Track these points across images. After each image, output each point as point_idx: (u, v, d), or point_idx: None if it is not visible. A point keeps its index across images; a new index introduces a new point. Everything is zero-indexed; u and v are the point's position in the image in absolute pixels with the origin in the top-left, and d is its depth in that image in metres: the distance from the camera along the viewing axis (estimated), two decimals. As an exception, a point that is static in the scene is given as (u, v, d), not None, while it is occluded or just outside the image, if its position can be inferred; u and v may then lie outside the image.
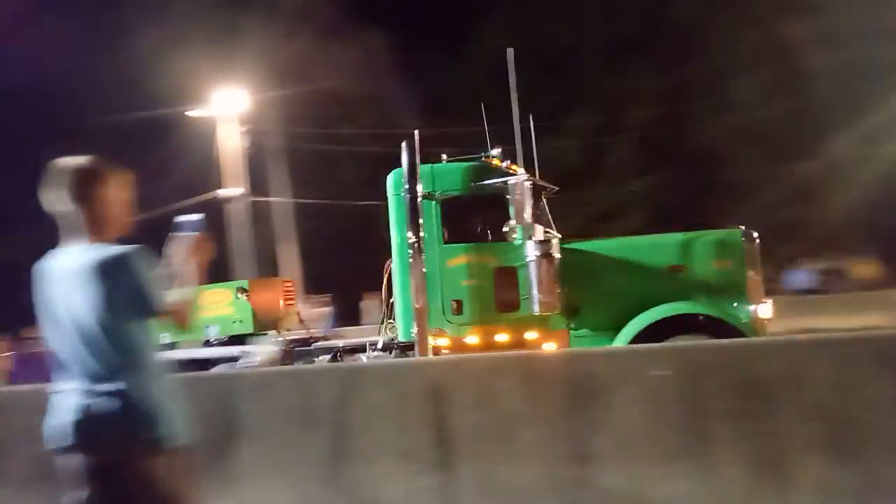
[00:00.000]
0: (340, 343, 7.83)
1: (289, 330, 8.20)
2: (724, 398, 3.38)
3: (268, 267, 20.22)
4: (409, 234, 6.32)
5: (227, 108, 18.85)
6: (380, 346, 7.17)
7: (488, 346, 6.52)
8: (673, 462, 3.32)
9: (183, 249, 2.29)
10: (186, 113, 19.03)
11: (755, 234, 6.67)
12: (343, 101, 23.19)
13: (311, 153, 21.92)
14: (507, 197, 6.37)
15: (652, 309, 6.21)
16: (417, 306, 6.29)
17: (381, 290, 7.67)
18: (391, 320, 7.37)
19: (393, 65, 24.03)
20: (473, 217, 7.18)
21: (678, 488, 3.27)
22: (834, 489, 3.06)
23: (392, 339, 7.13)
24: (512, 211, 6.34)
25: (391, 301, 7.34)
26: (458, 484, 3.51)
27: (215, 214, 18.11)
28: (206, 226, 2.39)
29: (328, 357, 7.29)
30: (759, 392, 3.36)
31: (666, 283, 6.46)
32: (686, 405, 3.41)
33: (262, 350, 7.33)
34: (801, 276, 20.19)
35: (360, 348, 7.32)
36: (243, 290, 7.76)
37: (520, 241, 6.47)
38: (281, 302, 8.25)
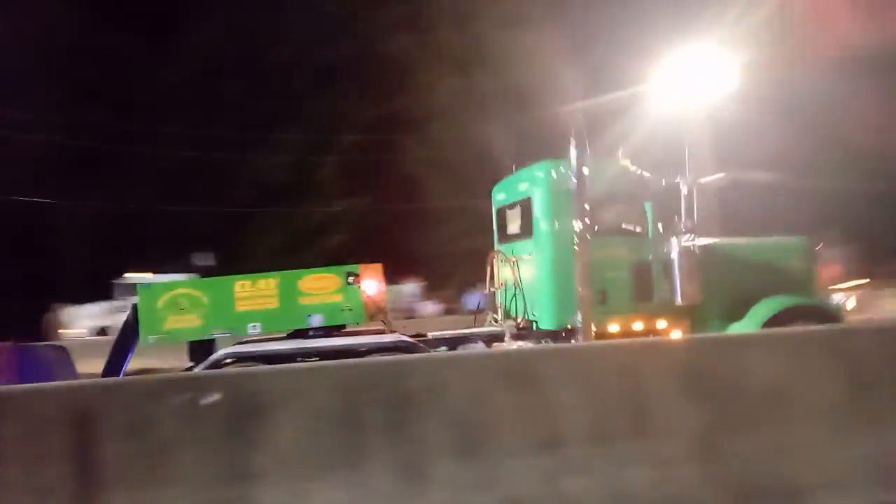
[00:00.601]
0: (463, 332, 7.61)
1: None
2: (377, 412, 3.69)
3: None
4: (577, 224, 6.55)
5: None
6: (511, 334, 7.22)
7: (626, 333, 6.73)
8: (328, 475, 3.51)
9: None
10: None
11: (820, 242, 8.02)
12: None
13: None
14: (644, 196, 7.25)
15: (771, 299, 7.03)
16: (581, 293, 6.46)
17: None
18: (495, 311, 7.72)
19: (81, 47, 21.32)
20: (614, 211, 7.30)
21: (331, 500, 3.46)
22: (460, 484, 3.54)
23: (519, 328, 7.29)
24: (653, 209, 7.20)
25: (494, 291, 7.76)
26: (98, 518, 3.23)
27: None
28: None
29: (478, 345, 7.17)
30: (406, 405, 3.73)
31: (768, 278, 7.34)
32: (343, 420, 3.63)
33: None
34: (474, 298, 22.78)
35: (498, 337, 7.27)
36: (354, 276, 7.30)
37: (653, 236, 7.11)
38: (384, 289, 7.74)
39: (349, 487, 3.47)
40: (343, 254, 22.53)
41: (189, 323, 7.11)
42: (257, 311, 7.24)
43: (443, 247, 21.96)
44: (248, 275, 7.42)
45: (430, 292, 19.76)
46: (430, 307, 18.82)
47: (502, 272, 7.97)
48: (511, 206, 8.02)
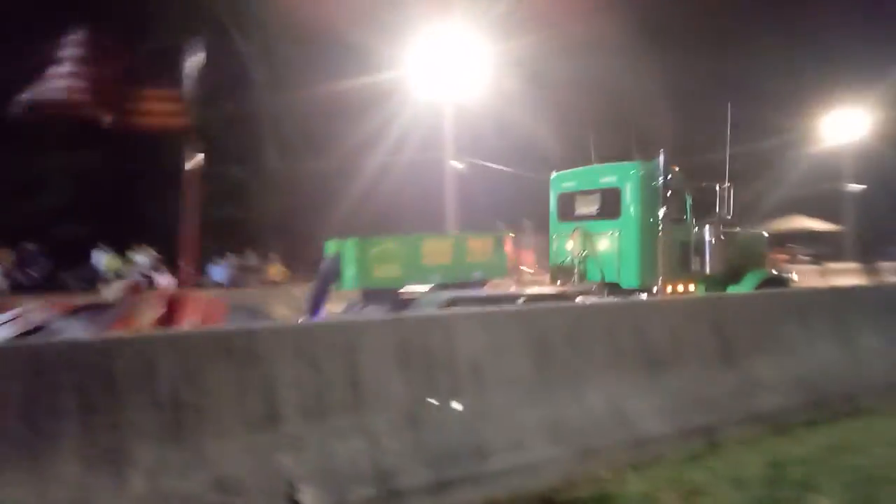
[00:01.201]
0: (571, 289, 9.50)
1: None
2: (75, 395, 3.38)
3: None
4: (661, 212, 9.27)
5: None
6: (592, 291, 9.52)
7: (675, 292, 9.49)
8: (4, 470, 3.13)
9: None
10: None
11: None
12: None
13: None
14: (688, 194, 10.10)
15: (756, 272, 10.23)
16: (662, 265, 9.21)
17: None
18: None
19: None
20: (671, 205, 9.51)
21: (6, 498, 3.10)
22: (165, 468, 3.41)
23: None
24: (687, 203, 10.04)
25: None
26: None
27: None
28: None
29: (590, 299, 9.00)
30: (112, 387, 3.47)
31: (750, 257, 10.60)
32: (31, 406, 3.26)
33: None
34: (219, 271, 21.65)
35: (594, 293, 9.48)
36: (502, 239, 9.45)
37: (690, 222, 9.91)
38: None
39: (31, 481, 3.13)
40: (58, 216, 19.71)
41: (391, 273, 8.53)
42: (437, 266, 8.85)
43: (182, 214, 20.41)
44: (433, 235, 9.80)
45: (165, 264, 18.26)
46: (165, 280, 17.42)
47: (568, 243, 10.18)
48: (586, 193, 10.36)
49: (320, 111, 23.35)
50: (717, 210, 9.74)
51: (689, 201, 9.92)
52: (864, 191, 31.98)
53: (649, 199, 9.54)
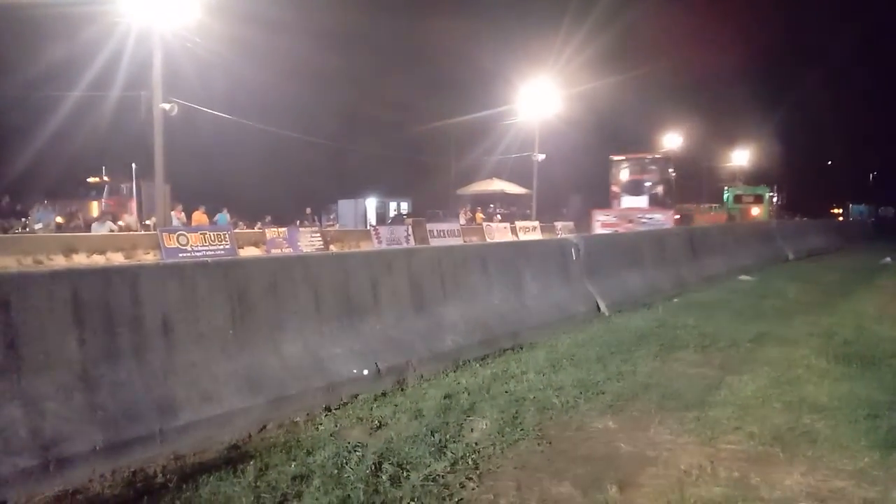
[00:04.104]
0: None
1: None
2: None
3: None
4: (770, 202, 39.52)
5: None
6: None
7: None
8: None
9: None
10: None
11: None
12: None
13: None
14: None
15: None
16: (770, 215, 36.28)
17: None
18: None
19: None
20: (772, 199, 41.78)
21: None
22: None
23: None
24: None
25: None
26: None
27: None
28: None
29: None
30: None
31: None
32: None
33: None
34: (46, 215, 22.17)
35: None
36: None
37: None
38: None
39: None
40: None
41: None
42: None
43: None
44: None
45: None
46: None
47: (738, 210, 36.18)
48: (747, 196, 37.34)
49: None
50: (778, 199, 43.11)
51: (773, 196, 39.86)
52: (545, 159, 37.08)
53: (769, 199, 37.40)
